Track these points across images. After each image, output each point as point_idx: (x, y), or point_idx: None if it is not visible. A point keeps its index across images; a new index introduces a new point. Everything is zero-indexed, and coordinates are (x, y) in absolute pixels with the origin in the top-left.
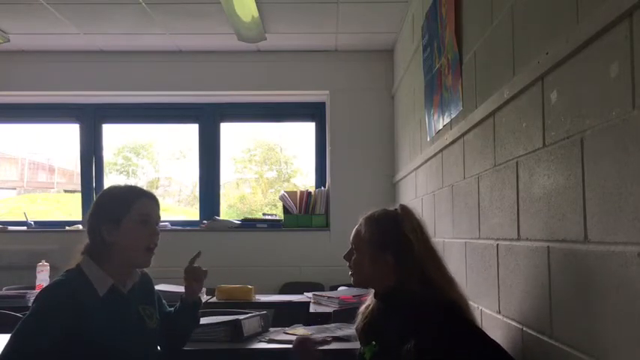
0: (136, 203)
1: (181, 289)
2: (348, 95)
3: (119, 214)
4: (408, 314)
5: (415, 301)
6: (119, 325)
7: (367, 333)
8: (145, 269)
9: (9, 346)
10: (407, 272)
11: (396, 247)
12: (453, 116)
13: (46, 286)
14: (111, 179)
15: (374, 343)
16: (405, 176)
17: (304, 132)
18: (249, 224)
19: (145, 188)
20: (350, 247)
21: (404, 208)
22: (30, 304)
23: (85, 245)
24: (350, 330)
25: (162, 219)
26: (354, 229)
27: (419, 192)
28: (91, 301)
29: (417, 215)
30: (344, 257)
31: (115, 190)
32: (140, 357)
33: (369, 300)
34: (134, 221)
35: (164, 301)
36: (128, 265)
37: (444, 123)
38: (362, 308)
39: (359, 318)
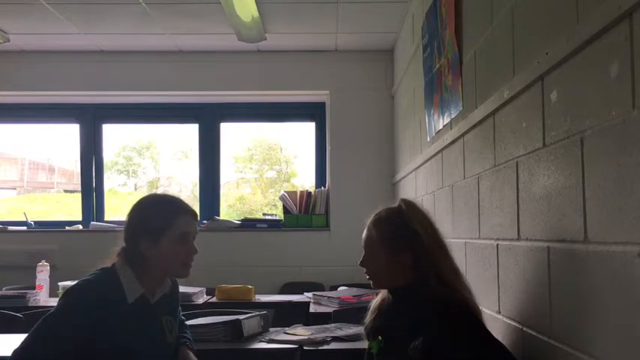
0: (178, 220)
1: (180, 288)
2: (348, 95)
3: (160, 229)
4: (421, 311)
5: (429, 298)
6: (137, 336)
7: (376, 328)
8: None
9: (29, 340)
10: (423, 269)
11: (409, 244)
12: (453, 116)
13: (77, 284)
14: (111, 179)
15: (380, 338)
16: (405, 176)
17: (304, 132)
18: (249, 224)
19: (184, 202)
20: (364, 252)
21: (407, 202)
22: (30, 304)
23: (122, 249)
24: (350, 330)
25: None
26: (364, 235)
27: (419, 192)
28: (116, 306)
29: (420, 207)
30: (360, 264)
31: (158, 202)
32: None
33: (381, 296)
34: (174, 239)
35: (179, 308)
36: (164, 276)
37: (444, 123)
38: (373, 304)
39: (369, 314)
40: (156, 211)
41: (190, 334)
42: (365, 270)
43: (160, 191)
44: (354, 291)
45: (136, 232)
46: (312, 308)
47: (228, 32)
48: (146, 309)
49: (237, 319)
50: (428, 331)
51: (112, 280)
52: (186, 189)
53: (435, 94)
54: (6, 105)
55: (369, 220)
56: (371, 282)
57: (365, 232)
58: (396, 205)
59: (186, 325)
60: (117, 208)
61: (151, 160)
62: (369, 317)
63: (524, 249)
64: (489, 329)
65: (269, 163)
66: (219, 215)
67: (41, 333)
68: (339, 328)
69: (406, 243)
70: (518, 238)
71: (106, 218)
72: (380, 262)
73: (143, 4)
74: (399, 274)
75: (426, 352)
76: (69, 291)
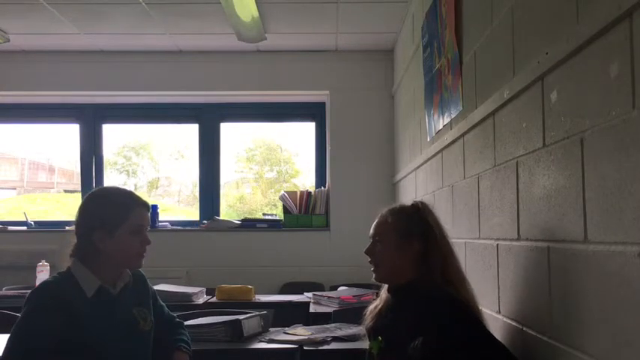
0: (132, 213)
1: (181, 289)
2: (348, 95)
3: (115, 223)
4: (422, 310)
5: (432, 296)
6: (109, 327)
7: (376, 328)
8: (141, 269)
9: (7, 350)
10: (431, 263)
11: (421, 235)
12: (453, 116)
13: (34, 289)
14: (111, 179)
15: (380, 338)
16: (405, 176)
17: (304, 132)
18: (249, 224)
19: (137, 194)
20: (371, 241)
21: (422, 202)
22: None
23: (74, 247)
24: (350, 330)
25: (162, 219)
26: (376, 221)
27: (419, 192)
28: (79, 302)
29: (433, 210)
30: (366, 252)
31: (110, 195)
32: (133, 358)
33: (379, 299)
34: (128, 231)
35: (161, 302)
36: (118, 268)
37: (444, 123)
38: (371, 307)
39: (368, 317)
40: (111, 205)
41: (188, 334)
42: (369, 259)
43: (159, 192)
44: (354, 291)
45: (90, 226)
46: (312, 308)
47: (228, 32)
48: (109, 300)
49: (237, 319)
50: (428, 331)
51: (68, 280)
52: (186, 189)
53: (435, 94)
54: (6, 105)
55: (383, 211)
56: (373, 274)
57: (377, 219)
58: (411, 204)
59: (181, 325)
60: None
61: (150, 160)
62: (368, 319)
63: (524, 249)
64: (489, 329)
65: (269, 163)
66: (219, 215)
67: (15, 347)
68: (339, 328)
69: (419, 233)
70: (518, 238)
71: None
72: (389, 248)
73: (143, 4)
74: (404, 266)
75: (425, 352)
76: (28, 297)
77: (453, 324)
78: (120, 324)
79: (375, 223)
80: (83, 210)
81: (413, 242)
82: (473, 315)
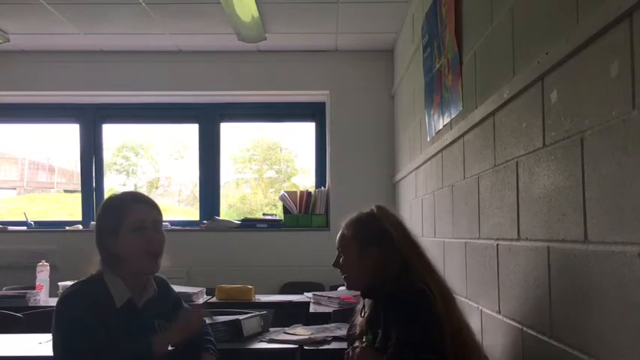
0: (128, 212)
1: (181, 289)
2: (348, 95)
3: (116, 225)
4: (391, 305)
5: (394, 289)
6: (132, 337)
7: (365, 328)
8: (164, 277)
9: None
10: (389, 263)
11: (378, 240)
12: (453, 116)
13: (67, 296)
14: (111, 179)
15: (370, 336)
16: (405, 176)
17: (304, 132)
18: (249, 224)
19: (140, 192)
20: (337, 253)
21: (379, 206)
22: (30, 304)
23: (100, 255)
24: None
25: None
26: (338, 235)
27: (419, 192)
28: (108, 312)
29: (392, 211)
30: (333, 265)
31: (112, 199)
32: None
33: (360, 304)
34: (129, 230)
35: (186, 305)
36: (137, 274)
37: (444, 123)
38: (359, 307)
39: (355, 324)
40: (110, 209)
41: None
42: (339, 271)
43: (159, 191)
44: (354, 291)
45: (99, 234)
46: (312, 308)
47: (228, 32)
48: (134, 313)
49: (237, 319)
50: (397, 325)
51: (99, 286)
52: (186, 189)
53: (435, 94)
54: (6, 105)
55: (343, 222)
56: (345, 283)
57: (339, 233)
58: (369, 210)
59: (207, 327)
60: None
61: (149, 160)
62: (356, 327)
63: (524, 249)
64: (489, 329)
65: (269, 163)
66: (219, 215)
67: (70, 355)
68: (339, 328)
69: (376, 239)
70: (518, 238)
71: None
72: (351, 259)
73: (143, 4)
74: (367, 273)
75: (398, 346)
76: (62, 307)
77: (410, 314)
78: (141, 336)
79: (338, 235)
80: (95, 219)
81: (370, 249)
82: (429, 300)
